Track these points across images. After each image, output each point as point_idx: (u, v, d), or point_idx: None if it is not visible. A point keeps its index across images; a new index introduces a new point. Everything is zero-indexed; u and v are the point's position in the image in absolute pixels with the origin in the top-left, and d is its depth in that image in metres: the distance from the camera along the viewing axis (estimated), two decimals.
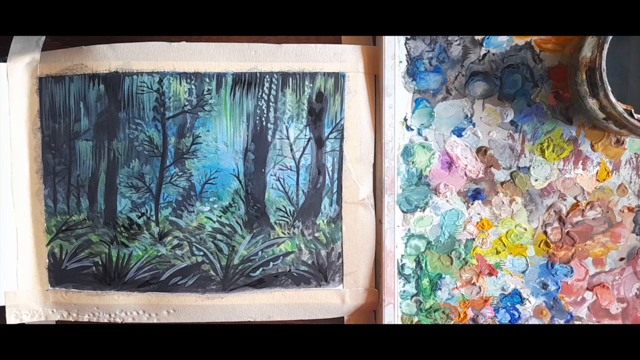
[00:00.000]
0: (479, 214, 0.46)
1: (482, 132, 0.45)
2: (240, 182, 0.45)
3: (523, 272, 0.46)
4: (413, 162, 0.45)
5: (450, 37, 0.44)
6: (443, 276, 0.46)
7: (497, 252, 0.46)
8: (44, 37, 0.44)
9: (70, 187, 0.44)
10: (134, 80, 0.44)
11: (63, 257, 0.45)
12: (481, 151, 0.45)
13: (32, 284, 0.45)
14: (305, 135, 0.45)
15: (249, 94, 0.44)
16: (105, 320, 0.45)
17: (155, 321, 0.45)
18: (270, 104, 0.44)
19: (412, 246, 0.46)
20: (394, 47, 0.43)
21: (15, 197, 0.44)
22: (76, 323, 0.46)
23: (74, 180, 0.44)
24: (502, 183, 0.45)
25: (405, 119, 0.45)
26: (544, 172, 0.45)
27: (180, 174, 0.44)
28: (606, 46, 0.39)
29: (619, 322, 0.46)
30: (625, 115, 0.39)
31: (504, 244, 0.46)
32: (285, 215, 0.45)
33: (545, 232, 0.46)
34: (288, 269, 0.45)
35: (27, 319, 0.45)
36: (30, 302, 0.45)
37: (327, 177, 0.45)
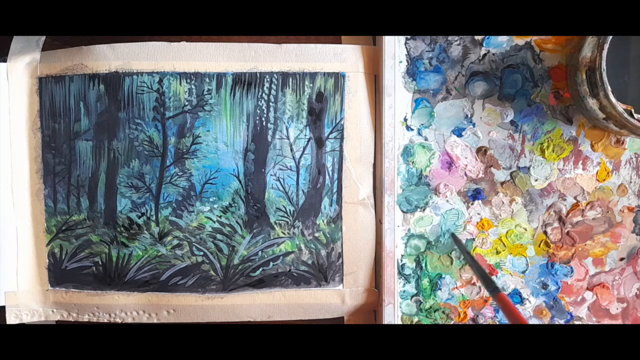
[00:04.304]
0: (479, 214, 0.46)
1: (482, 132, 0.45)
2: (240, 182, 0.45)
3: (523, 272, 0.46)
4: (413, 162, 0.45)
5: (450, 37, 0.44)
6: (443, 276, 0.46)
7: (497, 252, 0.46)
8: (44, 37, 0.44)
9: (70, 187, 0.44)
10: (134, 80, 0.44)
11: (63, 257, 0.45)
12: (481, 151, 0.45)
13: (32, 284, 0.45)
14: (305, 135, 0.45)
15: (249, 94, 0.44)
16: (105, 320, 0.45)
17: (155, 321, 0.45)
18: (270, 104, 0.44)
19: (412, 246, 0.46)
20: (394, 47, 0.43)
21: (15, 197, 0.44)
22: (76, 323, 0.46)
23: (74, 180, 0.44)
24: (502, 183, 0.45)
25: (405, 119, 0.45)
26: (544, 172, 0.45)
27: (180, 174, 0.44)
28: (606, 46, 0.39)
29: (619, 322, 0.46)
30: (625, 115, 0.39)
31: (504, 244, 0.46)
32: (285, 215, 0.45)
33: (545, 232, 0.46)
34: (288, 269, 0.45)
35: (27, 319, 0.45)
36: (30, 302, 0.45)
37: (327, 177, 0.45)
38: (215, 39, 0.44)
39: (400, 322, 0.46)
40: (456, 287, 0.46)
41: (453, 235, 0.45)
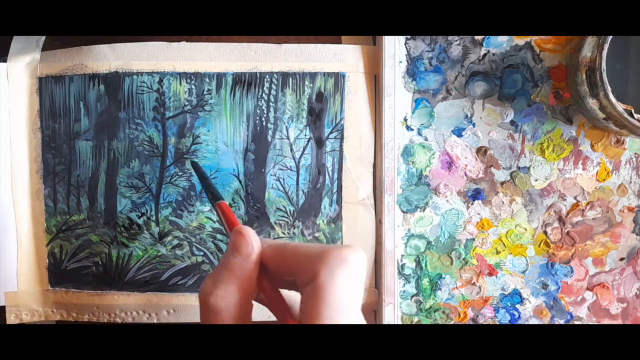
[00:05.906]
0: (479, 214, 0.46)
1: (482, 132, 0.45)
2: (240, 182, 0.45)
3: (523, 272, 0.46)
4: (413, 162, 0.45)
5: (450, 37, 0.44)
6: (443, 276, 0.46)
7: (497, 252, 0.46)
8: (44, 37, 0.44)
9: (70, 187, 0.44)
10: (134, 80, 0.44)
11: (63, 257, 0.45)
12: (481, 151, 0.45)
13: (32, 284, 0.45)
14: (305, 135, 0.45)
15: (249, 94, 0.44)
16: (105, 320, 0.45)
17: (155, 321, 0.45)
18: (270, 104, 0.44)
19: (412, 246, 0.46)
20: (394, 47, 0.43)
21: (15, 197, 0.44)
22: (76, 323, 0.46)
23: (74, 180, 0.44)
24: (502, 183, 0.45)
25: (405, 119, 0.45)
26: (544, 172, 0.45)
27: (180, 174, 0.44)
28: (606, 46, 0.39)
29: (619, 322, 0.46)
30: (625, 115, 0.39)
31: (504, 244, 0.46)
32: (285, 215, 0.45)
33: (545, 232, 0.46)
34: None
35: (27, 319, 0.45)
36: (30, 302, 0.45)
37: (327, 177, 0.45)
38: (215, 39, 0.44)
39: (400, 322, 0.46)
40: (456, 287, 0.46)
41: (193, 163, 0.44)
